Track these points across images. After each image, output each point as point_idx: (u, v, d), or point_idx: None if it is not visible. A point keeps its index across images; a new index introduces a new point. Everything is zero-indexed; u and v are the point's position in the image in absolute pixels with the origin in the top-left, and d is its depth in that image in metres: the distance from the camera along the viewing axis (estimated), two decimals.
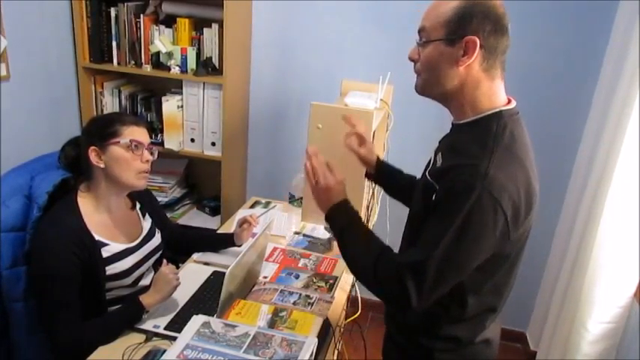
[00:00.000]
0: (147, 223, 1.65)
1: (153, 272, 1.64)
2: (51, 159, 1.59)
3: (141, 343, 1.33)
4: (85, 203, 1.48)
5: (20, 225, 1.50)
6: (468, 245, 1.01)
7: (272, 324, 1.33)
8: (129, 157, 1.45)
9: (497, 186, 0.99)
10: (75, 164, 1.52)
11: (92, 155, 1.44)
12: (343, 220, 1.20)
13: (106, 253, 1.46)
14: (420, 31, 1.12)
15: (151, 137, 1.54)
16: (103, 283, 1.47)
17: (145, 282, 1.60)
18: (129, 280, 1.53)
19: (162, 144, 2.50)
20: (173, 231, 1.80)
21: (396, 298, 1.08)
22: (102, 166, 1.44)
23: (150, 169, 1.51)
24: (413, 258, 1.05)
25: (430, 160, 1.20)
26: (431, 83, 1.12)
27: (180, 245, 1.80)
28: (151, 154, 1.51)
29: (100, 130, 1.46)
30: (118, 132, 1.45)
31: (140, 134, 1.48)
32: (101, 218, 1.50)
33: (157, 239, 1.65)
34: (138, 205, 1.64)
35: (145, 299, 1.39)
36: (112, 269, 1.48)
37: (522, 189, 1.03)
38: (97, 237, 1.45)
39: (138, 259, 1.55)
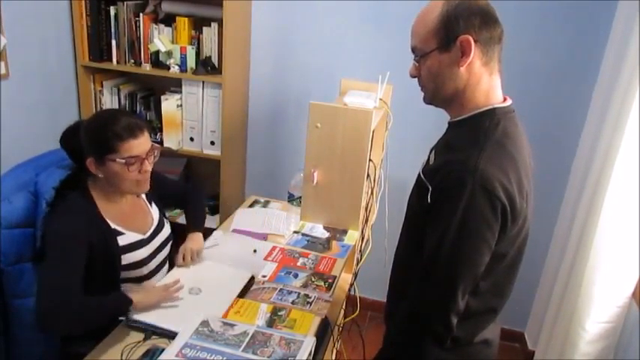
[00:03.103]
0: (155, 213, 1.66)
1: (167, 265, 1.66)
2: (55, 156, 1.59)
3: (139, 342, 1.32)
4: (97, 193, 1.48)
5: (25, 221, 1.50)
6: (471, 242, 1.02)
7: (271, 323, 1.34)
8: (125, 170, 1.42)
9: (489, 178, 0.99)
10: (76, 153, 1.47)
11: (90, 166, 1.43)
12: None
13: (122, 241, 1.48)
14: (413, 50, 1.14)
15: (150, 136, 1.52)
16: (118, 273, 1.48)
17: (159, 276, 1.61)
18: (145, 271, 1.55)
19: (161, 143, 2.50)
20: (177, 192, 1.89)
21: (425, 315, 1.09)
22: (101, 175, 1.44)
23: (150, 172, 1.49)
24: (423, 267, 1.07)
25: (425, 160, 1.21)
26: (437, 91, 1.13)
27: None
28: (154, 157, 1.48)
29: (96, 143, 1.42)
30: (114, 148, 1.40)
31: (138, 147, 1.43)
32: (114, 208, 1.51)
33: (166, 230, 1.67)
34: (143, 196, 1.65)
35: (136, 296, 1.37)
36: (127, 259, 1.49)
37: (514, 181, 1.03)
38: (112, 225, 1.47)
39: (151, 251, 1.57)
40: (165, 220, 1.69)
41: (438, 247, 1.03)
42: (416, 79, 1.17)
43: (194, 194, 1.92)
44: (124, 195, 1.54)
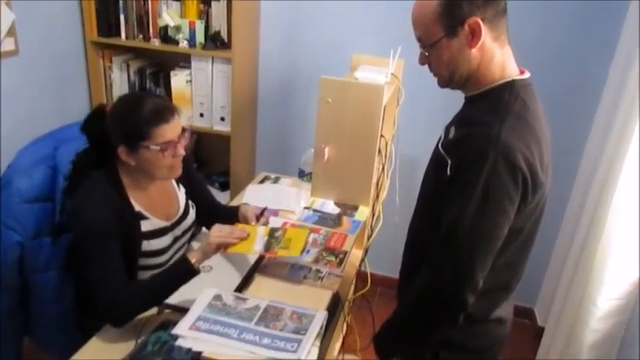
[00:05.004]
0: (182, 198, 1.62)
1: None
2: (74, 129, 1.56)
3: (153, 315, 1.35)
4: (125, 176, 1.44)
5: (45, 196, 1.49)
6: (492, 214, 1.01)
7: (268, 246, 1.37)
8: (160, 156, 1.38)
9: (510, 148, 0.98)
10: (100, 138, 1.42)
11: (122, 155, 1.38)
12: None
13: (144, 227, 1.45)
14: (419, 40, 1.12)
15: (180, 118, 1.44)
16: (137, 258, 1.45)
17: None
18: (164, 258, 1.51)
19: None
20: (205, 205, 1.73)
21: (440, 290, 1.06)
22: (133, 163, 1.40)
23: (183, 155, 1.44)
24: (441, 239, 1.05)
25: (441, 135, 1.19)
26: (452, 76, 1.12)
27: (207, 222, 1.73)
28: (185, 139, 1.43)
29: (126, 131, 1.37)
30: (147, 135, 1.35)
31: (171, 131, 1.38)
32: (142, 191, 1.47)
33: (191, 217, 1.63)
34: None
35: (195, 257, 1.32)
36: (147, 245, 1.46)
37: (536, 153, 1.03)
38: (137, 208, 1.44)
39: (172, 239, 1.54)
40: (190, 205, 1.64)
41: (459, 220, 1.01)
42: (426, 66, 1.15)
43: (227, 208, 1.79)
44: (154, 180, 1.50)
